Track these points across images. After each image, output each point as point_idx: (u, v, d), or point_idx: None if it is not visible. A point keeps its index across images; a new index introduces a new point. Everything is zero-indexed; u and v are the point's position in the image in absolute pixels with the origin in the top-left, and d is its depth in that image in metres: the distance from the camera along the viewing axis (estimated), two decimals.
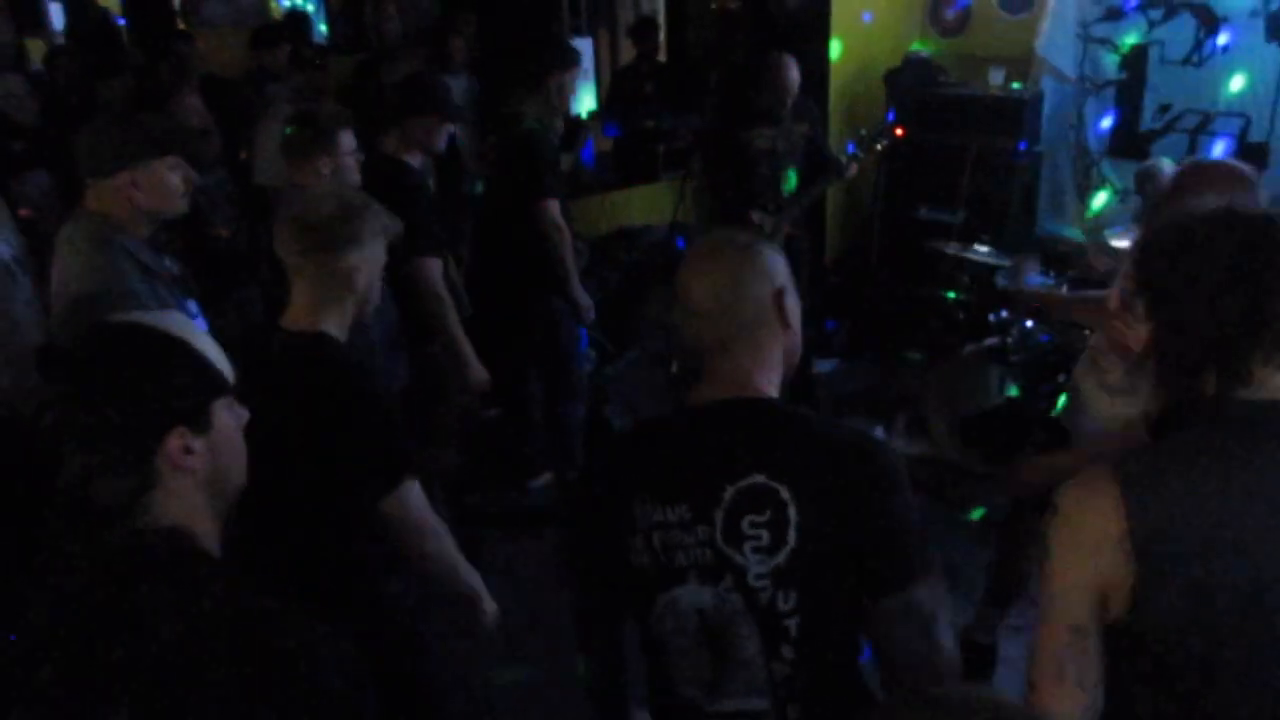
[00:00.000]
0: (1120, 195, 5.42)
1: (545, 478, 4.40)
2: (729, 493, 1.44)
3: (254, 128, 4.30)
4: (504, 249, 3.94)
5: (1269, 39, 4.79)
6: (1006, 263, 4.45)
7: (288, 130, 2.98)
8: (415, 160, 3.47)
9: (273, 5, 8.44)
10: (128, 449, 1.19)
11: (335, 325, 2.02)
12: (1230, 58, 4.92)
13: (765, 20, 5.86)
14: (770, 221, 4.76)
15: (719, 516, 1.44)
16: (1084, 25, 5.37)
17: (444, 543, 2.05)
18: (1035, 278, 4.52)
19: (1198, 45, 5.03)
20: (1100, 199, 5.51)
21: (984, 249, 4.54)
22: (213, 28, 6.47)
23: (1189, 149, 5.02)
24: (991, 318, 4.54)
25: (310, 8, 8.66)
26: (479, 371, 3.53)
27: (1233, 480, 1.27)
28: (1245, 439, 1.30)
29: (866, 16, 5.79)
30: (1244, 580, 1.26)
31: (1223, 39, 4.93)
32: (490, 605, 2.20)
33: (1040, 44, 5.44)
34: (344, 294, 2.02)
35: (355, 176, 3.03)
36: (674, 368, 5.20)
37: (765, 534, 1.42)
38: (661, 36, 6.86)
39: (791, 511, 1.41)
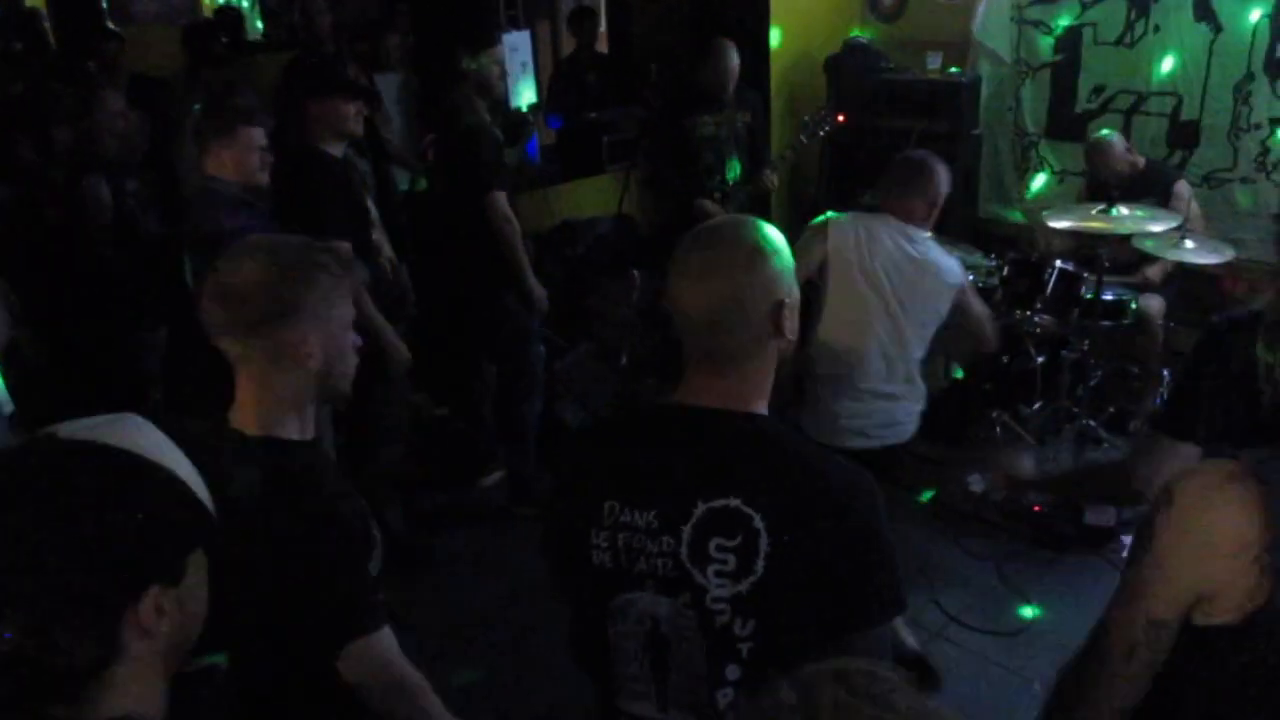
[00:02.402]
0: (1059, 176, 5.51)
1: (497, 475, 4.37)
2: (700, 509, 1.38)
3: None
4: (452, 245, 3.89)
5: (1197, 19, 4.88)
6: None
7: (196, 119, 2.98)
8: (335, 149, 3.42)
9: (205, 1, 8.27)
10: (91, 615, 0.90)
11: (294, 423, 1.61)
12: (1161, 38, 5.01)
13: (705, 8, 5.86)
14: (719, 211, 4.76)
15: (686, 531, 1.39)
16: (1018, 8, 5.44)
17: (419, 699, 1.63)
18: None
19: (1129, 26, 5.11)
20: (1039, 180, 5.59)
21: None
22: (143, 25, 6.32)
23: (1123, 129, 5.10)
24: None
25: (245, 4, 8.51)
26: (400, 353, 3.50)
27: None
28: None
29: (805, 3, 5.81)
30: None
31: (1153, 20, 5.02)
32: None
33: (976, 28, 5.49)
34: (297, 379, 1.59)
35: (259, 175, 3.02)
36: (624, 360, 5.20)
37: (732, 559, 1.36)
38: (602, 26, 6.82)
39: (764, 541, 1.34)
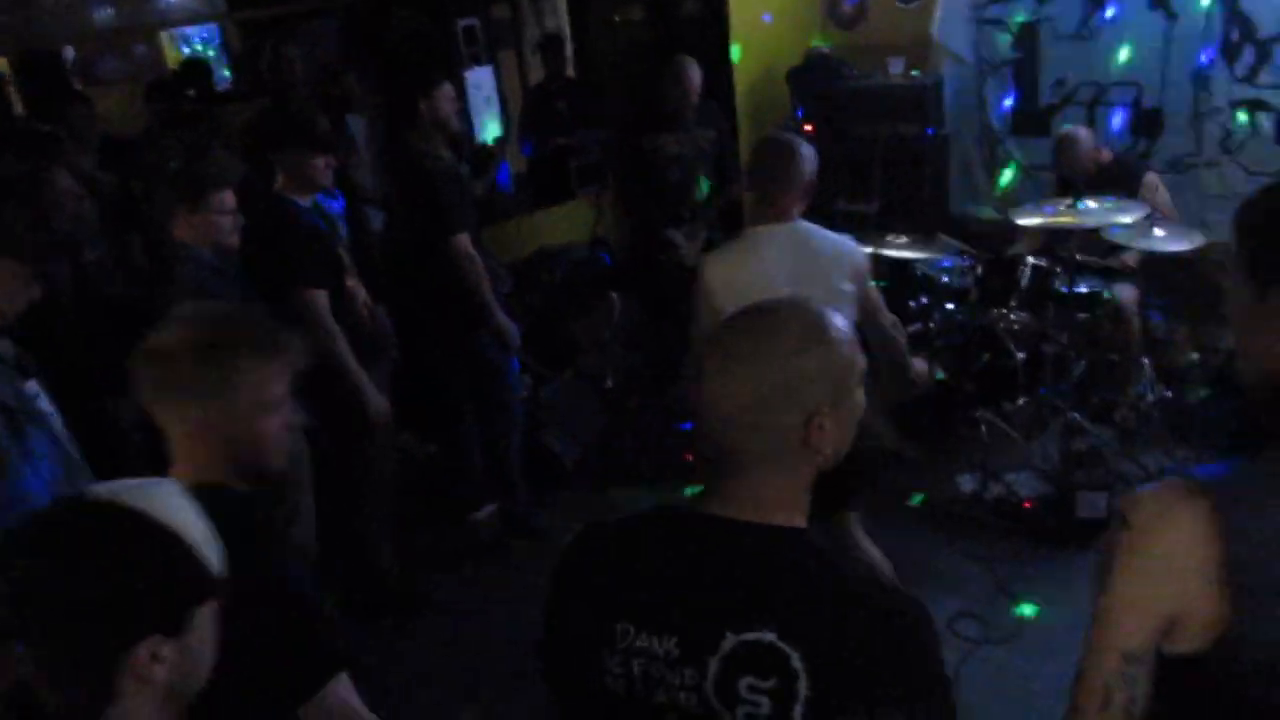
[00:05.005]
0: (1027, 171, 5.54)
1: (487, 510, 4.36)
2: (729, 641, 1.20)
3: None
4: (419, 288, 3.90)
5: (1152, 8, 4.92)
6: (921, 255, 4.51)
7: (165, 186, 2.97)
8: (305, 200, 3.46)
9: (171, 54, 8.29)
10: (89, 658, 1.01)
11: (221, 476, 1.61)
12: (1117, 29, 5.06)
13: (666, 28, 5.90)
14: (686, 235, 4.80)
15: (713, 665, 1.21)
16: (976, 8, 5.48)
17: None
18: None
19: (1085, 19, 5.15)
20: (1008, 176, 5.62)
21: (901, 239, 4.60)
22: (110, 84, 6.33)
23: (1087, 121, 5.14)
24: (913, 304, 4.60)
25: (212, 54, 8.53)
26: (378, 403, 3.51)
27: None
28: None
29: (766, 17, 5.85)
30: None
31: (1109, 11, 5.06)
32: None
33: (935, 30, 5.54)
34: (213, 451, 1.60)
35: (229, 238, 2.99)
36: (609, 383, 5.21)
37: (766, 703, 1.18)
38: (569, 52, 6.85)
39: (803, 685, 1.16)
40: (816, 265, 2.85)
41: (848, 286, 2.86)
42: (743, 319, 1.31)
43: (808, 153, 2.94)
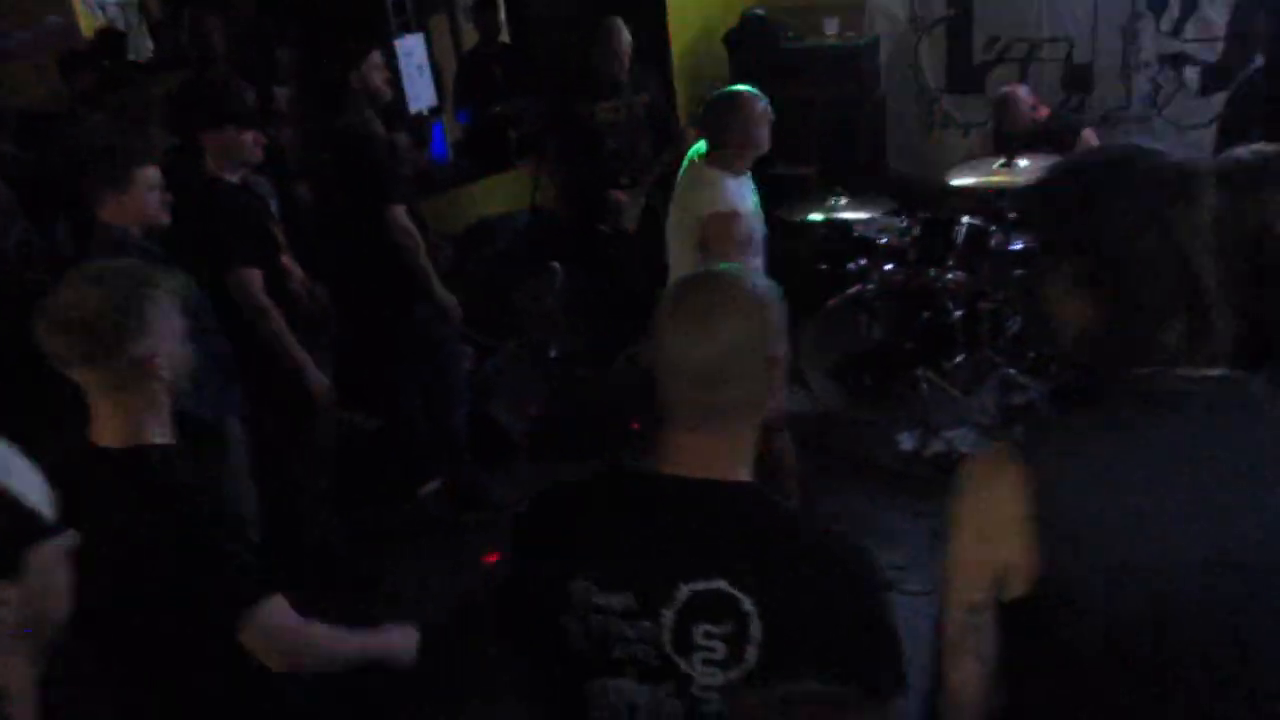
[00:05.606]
0: (963, 130, 5.59)
1: (434, 484, 4.34)
2: (683, 592, 1.27)
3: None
4: (355, 263, 3.83)
5: None
6: (861, 215, 4.53)
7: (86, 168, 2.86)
8: (232, 175, 3.36)
9: (86, 19, 7.99)
10: None
11: (156, 428, 1.76)
12: None
13: None
14: (629, 198, 4.76)
15: (668, 616, 1.27)
16: None
17: (323, 649, 1.77)
18: None
19: None
20: (945, 135, 5.66)
21: (842, 200, 4.61)
22: (18, 57, 6.08)
23: (1020, 77, 5.18)
24: (851, 267, 4.63)
25: (133, 21, 8.24)
26: (319, 381, 3.46)
27: (1136, 460, 1.22)
28: (1148, 416, 1.23)
29: None
30: (1150, 565, 1.20)
31: None
32: (407, 648, 1.97)
33: None
34: (151, 389, 1.75)
35: (159, 215, 2.91)
36: (553, 353, 5.18)
37: (721, 647, 1.25)
38: (502, 16, 6.72)
39: (755, 628, 1.23)
40: (687, 205, 3.32)
41: (692, 233, 3.24)
42: (695, 283, 1.40)
43: (741, 113, 3.25)
